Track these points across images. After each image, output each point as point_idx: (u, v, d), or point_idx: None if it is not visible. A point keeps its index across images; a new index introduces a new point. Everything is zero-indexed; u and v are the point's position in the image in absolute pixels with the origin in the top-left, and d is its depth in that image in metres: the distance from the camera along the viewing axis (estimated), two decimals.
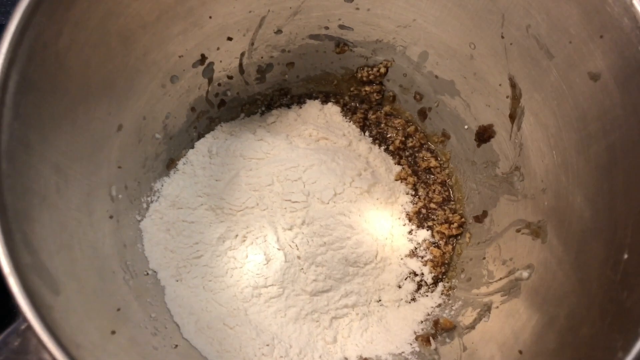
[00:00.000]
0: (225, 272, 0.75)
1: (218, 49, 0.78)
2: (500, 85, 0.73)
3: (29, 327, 0.42)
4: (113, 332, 0.54)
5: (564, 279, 0.59)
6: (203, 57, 0.78)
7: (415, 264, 0.79)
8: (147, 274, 0.72)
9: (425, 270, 0.79)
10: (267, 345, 0.71)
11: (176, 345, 0.66)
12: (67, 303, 0.47)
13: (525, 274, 0.66)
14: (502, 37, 0.69)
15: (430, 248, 0.81)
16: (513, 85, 0.71)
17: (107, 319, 0.55)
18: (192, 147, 0.84)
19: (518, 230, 0.71)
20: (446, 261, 0.80)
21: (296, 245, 0.75)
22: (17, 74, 0.49)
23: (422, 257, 0.80)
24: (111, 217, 0.67)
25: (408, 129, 0.88)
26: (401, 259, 0.80)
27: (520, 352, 0.58)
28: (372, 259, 0.77)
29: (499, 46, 0.70)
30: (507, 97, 0.72)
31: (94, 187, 0.65)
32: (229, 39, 0.78)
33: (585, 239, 0.58)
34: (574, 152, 0.62)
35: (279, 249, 0.75)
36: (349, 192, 0.79)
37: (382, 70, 0.85)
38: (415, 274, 0.79)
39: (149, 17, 0.67)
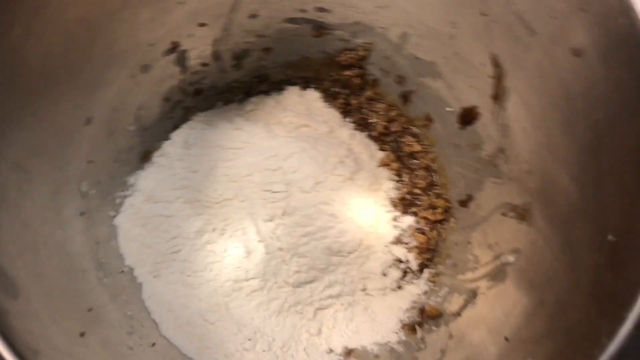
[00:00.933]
0: (204, 267, 0.73)
1: (190, 35, 0.75)
2: (483, 65, 0.70)
3: None
4: (82, 334, 0.52)
5: (551, 263, 0.57)
6: (175, 45, 0.75)
7: (400, 251, 0.77)
8: (123, 271, 0.69)
9: (411, 257, 0.77)
10: (249, 339, 0.69)
11: (154, 344, 0.64)
12: (26, 306, 0.45)
13: (511, 258, 0.65)
14: (484, 14, 0.66)
15: (415, 234, 0.79)
16: (496, 65, 0.68)
17: (76, 321, 0.53)
18: (168, 139, 0.81)
19: (504, 214, 0.69)
20: (431, 247, 0.78)
21: (277, 237, 0.73)
22: None
23: (407, 244, 0.78)
24: (82, 214, 0.65)
25: (391, 114, 0.85)
26: (386, 246, 0.78)
27: (507, 338, 0.56)
28: (356, 247, 0.75)
29: (480, 24, 0.67)
30: (490, 77, 0.70)
31: (62, 184, 0.62)
32: (202, 24, 0.75)
33: (572, 221, 0.56)
34: (559, 132, 0.60)
35: (259, 241, 0.73)
36: (331, 180, 0.77)
37: (363, 53, 0.83)
38: (401, 261, 0.77)
39: (113, 4, 0.64)
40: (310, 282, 0.73)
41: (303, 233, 0.73)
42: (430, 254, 0.78)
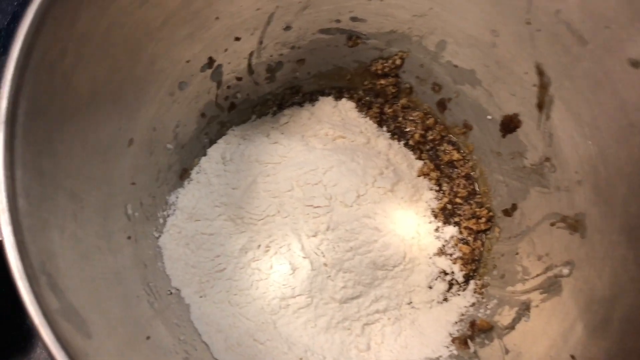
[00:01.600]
0: (250, 285, 0.72)
1: (226, 50, 0.74)
2: (526, 73, 0.69)
3: None
4: None
5: (613, 278, 0.56)
6: (211, 60, 0.74)
7: (444, 263, 0.77)
8: (171, 293, 0.69)
9: (456, 268, 0.76)
10: (301, 358, 0.68)
11: None
12: (99, 345, 0.44)
13: (565, 270, 0.64)
14: (529, 23, 0.65)
15: (459, 245, 0.78)
16: (540, 73, 0.67)
17: (140, 353, 0.52)
18: (205, 155, 0.80)
19: (553, 224, 0.68)
20: (476, 257, 0.78)
21: (322, 252, 0.72)
22: (26, 101, 0.45)
23: (451, 255, 0.77)
24: (129, 237, 0.64)
25: (427, 122, 0.84)
26: (430, 258, 0.77)
27: (573, 357, 0.56)
28: (401, 260, 0.74)
29: (524, 33, 0.66)
30: (534, 85, 0.69)
31: (110, 209, 0.61)
32: (237, 39, 0.74)
33: (635, 235, 0.55)
34: (613, 142, 0.59)
35: (304, 257, 0.72)
36: (372, 192, 0.76)
37: (398, 62, 0.81)
38: (446, 273, 0.77)
39: (154, 24, 0.63)
40: (357, 297, 0.72)
41: (347, 248, 0.72)
42: (475, 265, 0.78)
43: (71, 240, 0.50)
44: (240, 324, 0.70)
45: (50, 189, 0.48)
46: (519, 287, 0.70)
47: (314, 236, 0.73)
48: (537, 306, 0.66)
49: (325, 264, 0.72)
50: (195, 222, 0.74)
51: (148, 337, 0.56)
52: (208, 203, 0.76)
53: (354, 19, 0.77)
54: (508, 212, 0.77)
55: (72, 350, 0.38)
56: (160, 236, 0.72)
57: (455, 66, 0.78)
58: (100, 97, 0.58)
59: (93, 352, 0.41)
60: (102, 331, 0.46)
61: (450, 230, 0.79)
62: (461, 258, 0.77)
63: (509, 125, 0.75)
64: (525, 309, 0.67)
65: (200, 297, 0.71)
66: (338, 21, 0.78)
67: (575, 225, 0.65)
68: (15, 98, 0.43)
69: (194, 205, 0.75)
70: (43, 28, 0.46)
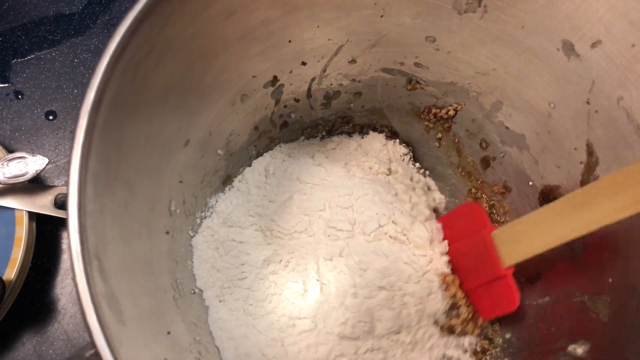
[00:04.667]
0: (265, 297, 0.74)
1: (291, 72, 0.77)
2: (575, 149, 0.70)
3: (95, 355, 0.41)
4: None
5: None
6: (275, 79, 0.77)
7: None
8: (194, 292, 0.71)
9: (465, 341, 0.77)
10: None
11: None
12: (131, 333, 0.47)
13: (579, 350, 0.64)
14: (588, 102, 0.66)
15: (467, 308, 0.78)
16: (590, 153, 0.68)
17: (161, 346, 0.54)
18: (250, 165, 0.83)
19: (573, 299, 0.69)
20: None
21: (334, 279, 0.73)
22: (110, 94, 0.48)
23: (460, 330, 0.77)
24: (167, 232, 0.67)
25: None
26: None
27: None
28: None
29: (581, 111, 0.68)
30: (581, 162, 0.70)
31: (157, 202, 0.64)
32: (303, 63, 0.77)
33: None
34: None
35: (317, 280, 0.73)
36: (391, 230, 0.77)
37: (451, 112, 0.83)
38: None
39: (232, 37, 0.66)
40: (355, 339, 0.72)
41: (352, 283, 0.72)
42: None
43: (119, 227, 0.53)
44: (251, 335, 0.71)
45: (112, 178, 0.51)
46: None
47: (329, 260, 0.74)
48: None
49: (332, 293, 0.73)
50: (228, 228, 0.77)
51: (169, 332, 0.59)
52: (243, 211, 0.78)
53: (417, 64, 0.79)
54: (532, 280, 0.77)
55: (110, 335, 0.41)
56: (194, 236, 0.74)
57: (507, 128, 0.79)
58: (169, 98, 0.62)
59: (126, 341, 0.44)
60: (133, 320, 0.49)
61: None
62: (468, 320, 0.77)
63: (549, 195, 0.76)
64: None
65: (220, 301, 0.73)
66: (402, 64, 0.80)
67: (596, 306, 0.65)
68: (102, 90, 0.46)
69: (230, 211, 0.78)
70: (138, 30, 0.49)
